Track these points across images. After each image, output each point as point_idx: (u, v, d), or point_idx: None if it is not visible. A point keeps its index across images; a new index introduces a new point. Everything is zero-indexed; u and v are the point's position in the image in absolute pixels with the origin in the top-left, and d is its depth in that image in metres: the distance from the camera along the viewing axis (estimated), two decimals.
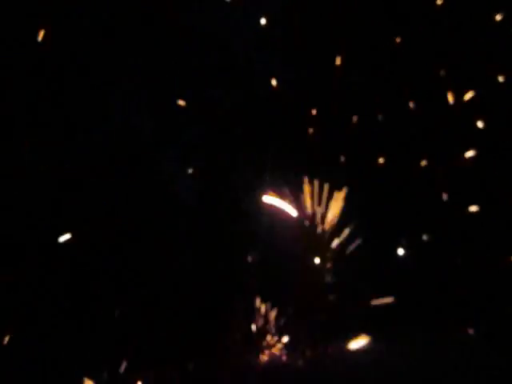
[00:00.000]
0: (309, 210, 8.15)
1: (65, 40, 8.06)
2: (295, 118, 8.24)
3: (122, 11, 8.23)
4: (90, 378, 6.87)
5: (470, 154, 8.18)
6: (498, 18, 8.02)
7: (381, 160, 8.31)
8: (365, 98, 8.21)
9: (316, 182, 8.11)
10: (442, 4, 8.14)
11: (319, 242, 8.21)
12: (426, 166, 8.27)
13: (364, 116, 8.31)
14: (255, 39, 8.23)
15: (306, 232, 8.21)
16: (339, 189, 8.10)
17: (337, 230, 8.19)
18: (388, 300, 7.98)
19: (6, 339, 7.04)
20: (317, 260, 8.20)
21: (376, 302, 7.99)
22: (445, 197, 8.27)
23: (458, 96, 8.16)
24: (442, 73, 8.22)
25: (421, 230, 8.35)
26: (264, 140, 8.24)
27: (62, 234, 7.93)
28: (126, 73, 8.21)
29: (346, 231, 8.12)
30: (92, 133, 8.14)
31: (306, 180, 8.10)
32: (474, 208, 8.14)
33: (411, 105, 8.29)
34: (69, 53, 8.08)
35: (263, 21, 8.15)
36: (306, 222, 8.16)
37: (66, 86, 8.11)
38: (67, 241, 7.90)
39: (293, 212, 8.05)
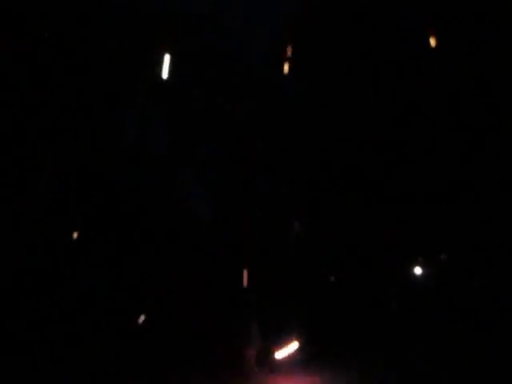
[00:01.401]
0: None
1: (82, 53, 8.14)
2: (308, 131, 8.21)
3: (140, 26, 8.29)
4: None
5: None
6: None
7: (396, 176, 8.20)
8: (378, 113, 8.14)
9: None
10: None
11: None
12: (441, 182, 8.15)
13: (377, 132, 8.24)
14: (269, 54, 8.22)
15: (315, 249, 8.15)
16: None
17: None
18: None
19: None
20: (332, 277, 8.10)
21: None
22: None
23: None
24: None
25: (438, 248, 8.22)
26: (278, 153, 8.20)
27: (73, 250, 7.95)
28: (140, 88, 8.24)
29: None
30: (106, 147, 8.16)
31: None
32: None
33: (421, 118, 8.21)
34: (85, 66, 8.15)
35: (277, 35, 8.16)
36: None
37: (82, 101, 8.15)
38: (78, 256, 7.92)
39: None
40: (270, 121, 8.23)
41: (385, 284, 8.08)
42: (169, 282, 8.01)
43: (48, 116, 8.08)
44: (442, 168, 8.21)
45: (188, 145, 8.20)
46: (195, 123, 8.17)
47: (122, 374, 7.12)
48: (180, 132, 8.21)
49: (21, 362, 6.73)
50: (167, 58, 8.02)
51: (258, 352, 7.73)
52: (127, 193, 8.16)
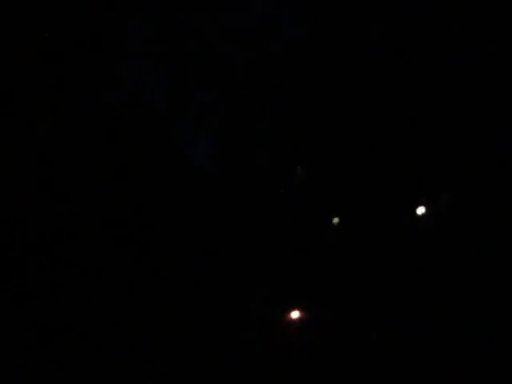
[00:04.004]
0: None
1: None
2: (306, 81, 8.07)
3: None
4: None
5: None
6: None
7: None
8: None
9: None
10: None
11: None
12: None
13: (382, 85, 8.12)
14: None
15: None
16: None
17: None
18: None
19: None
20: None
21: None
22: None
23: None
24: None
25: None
26: (278, 102, 8.07)
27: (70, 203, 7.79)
28: (136, 34, 8.00)
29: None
30: (102, 95, 7.96)
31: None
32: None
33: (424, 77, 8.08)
34: (77, 14, 7.87)
35: None
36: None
37: (75, 48, 7.90)
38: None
39: None
40: (271, 67, 8.08)
41: (387, 229, 8.08)
42: (168, 235, 7.92)
43: (40, 66, 7.85)
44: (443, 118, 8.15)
45: (187, 92, 8.03)
46: (194, 70, 7.99)
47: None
48: (179, 79, 8.02)
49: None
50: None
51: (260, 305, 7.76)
52: (125, 141, 8.00)
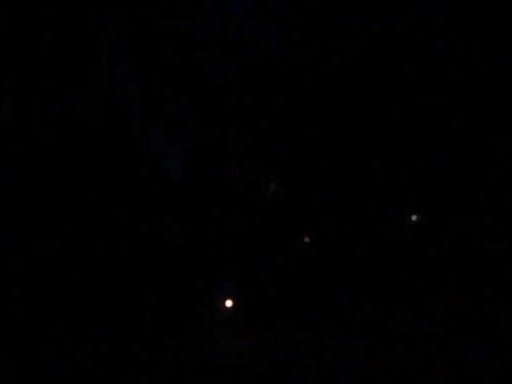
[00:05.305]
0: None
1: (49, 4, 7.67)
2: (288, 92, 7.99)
3: None
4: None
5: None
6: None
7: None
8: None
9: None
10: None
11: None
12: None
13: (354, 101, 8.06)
14: (251, 10, 7.89)
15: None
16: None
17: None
18: None
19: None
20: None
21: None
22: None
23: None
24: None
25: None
26: (255, 113, 8.00)
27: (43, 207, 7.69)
28: (112, 42, 7.84)
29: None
30: (76, 103, 7.82)
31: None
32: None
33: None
34: (52, 18, 7.69)
35: None
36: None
37: (49, 56, 7.74)
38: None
39: None
40: (247, 77, 7.99)
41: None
42: (141, 244, 7.86)
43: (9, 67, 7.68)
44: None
45: (162, 100, 7.92)
46: (170, 79, 7.87)
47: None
48: (153, 87, 7.90)
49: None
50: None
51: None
52: (97, 148, 7.88)
